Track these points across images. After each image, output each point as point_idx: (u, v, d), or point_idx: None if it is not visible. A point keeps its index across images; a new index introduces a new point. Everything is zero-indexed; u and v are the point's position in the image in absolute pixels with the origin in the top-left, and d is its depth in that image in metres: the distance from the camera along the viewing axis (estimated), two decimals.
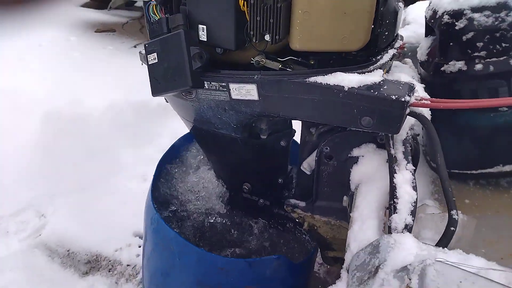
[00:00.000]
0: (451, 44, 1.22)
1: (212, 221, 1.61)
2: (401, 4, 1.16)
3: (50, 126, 3.26)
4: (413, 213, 0.90)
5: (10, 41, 4.30)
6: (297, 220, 1.47)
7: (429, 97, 1.08)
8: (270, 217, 1.63)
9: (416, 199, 0.93)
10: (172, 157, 1.71)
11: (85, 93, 3.45)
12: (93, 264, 2.61)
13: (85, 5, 5.67)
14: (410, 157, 1.05)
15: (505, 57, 1.14)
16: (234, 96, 1.16)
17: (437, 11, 1.23)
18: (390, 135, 1.09)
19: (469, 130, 1.29)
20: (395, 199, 0.93)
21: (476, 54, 1.18)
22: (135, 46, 4.64)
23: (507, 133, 1.24)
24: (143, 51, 1.19)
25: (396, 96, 0.97)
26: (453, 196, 0.95)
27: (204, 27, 1.12)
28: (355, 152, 1.18)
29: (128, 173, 3.04)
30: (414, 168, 1.02)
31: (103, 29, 4.72)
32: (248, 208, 1.63)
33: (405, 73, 1.35)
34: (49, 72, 3.77)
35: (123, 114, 3.29)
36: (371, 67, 1.07)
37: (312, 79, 1.04)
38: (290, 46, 1.07)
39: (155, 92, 1.19)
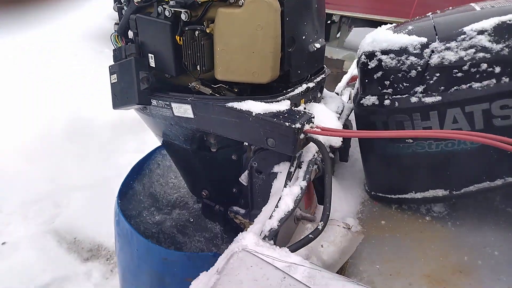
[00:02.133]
0: (366, 81, 1.37)
1: (174, 218, 1.85)
2: (317, 45, 1.34)
3: (77, 127, 3.68)
4: (281, 221, 1.07)
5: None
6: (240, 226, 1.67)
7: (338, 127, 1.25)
8: (225, 221, 1.83)
9: (292, 209, 1.10)
10: (148, 160, 1.98)
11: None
12: (94, 252, 2.94)
13: None
14: (308, 176, 1.22)
15: (406, 95, 1.28)
16: (176, 114, 1.40)
17: (359, 52, 1.39)
18: (296, 155, 1.27)
19: (386, 159, 1.42)
20: (275, 208, 1.11)
21: (384, 91, 1.32)
22: None
23: (414, 163, 1.36)
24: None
25: (289, 123, 1.15)
26: (328, 211, 1.11)
27: (153, 55, 1.36)
28: (276, 168, 1.36)
29: None
30: (306, 185, 1.19)
31: None
32: (206, 212, 1.85)
33: (331, 103, 1.52)
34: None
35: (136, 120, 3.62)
36: (280, 98, 1.26)
37: (230, 104, 1.25)
38: (214, 76, 1.29)
39: (114, 106, 1.46)
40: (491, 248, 1.27)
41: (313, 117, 1.21)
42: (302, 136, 1.18)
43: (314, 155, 1.28)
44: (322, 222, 1.09)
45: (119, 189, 1.77)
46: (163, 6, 1.26)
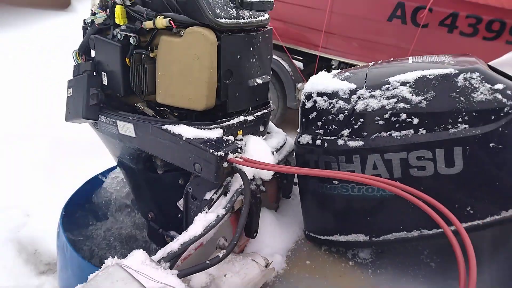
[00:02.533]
0: (303, 120, 1.42)
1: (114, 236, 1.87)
2: (259, 80, 1.41)
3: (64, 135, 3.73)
4: (183, 245, 1.09)
5: None
6: None
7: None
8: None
9: (198, 235, 1.12)
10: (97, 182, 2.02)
11: None
12: (51, 266, 2.91)
13: None
14: (229, 205, 1.25)
15: (335, 137, 1.33)
16: (120, 131, 1.46)
17: (302, 92, 1.46)
18: (223, 183, 1.31)
19: (316, 199, 1.45)
20: (184, 232, 1.14)
21: (317, 131, 1.37)
22: None
23: (339, 205, 1.39)
24: None
25: (212, 151, 1.20)
26: (236, 241, 1.13)
27: (105, 74, 1.45)
28: (207, 195, 1.39)
29: None
30: (224, 213, 1.21)
31: None
32: (151, 234, 1.86)
33: (273, 139, 1.58)
34: None
35: None
36: (213, 126, 1.32)
37: (165, 126, 1.32)
38: (155, 99, 1.36)
39: (66, 118, 1.53)
40: None
41: (240, 148, 1.27)
42: (225, 164, 1.23)
43: (241, 185, 1.31)
44: (224, 251, 1.11)
45: (64, 205, 1.81)
46: (117, 29, 1.36)
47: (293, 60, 4.86)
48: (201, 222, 1.17)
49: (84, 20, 1.52)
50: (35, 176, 3.44)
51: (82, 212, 1.94)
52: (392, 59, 1.51)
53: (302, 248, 1.53)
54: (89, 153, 3.31)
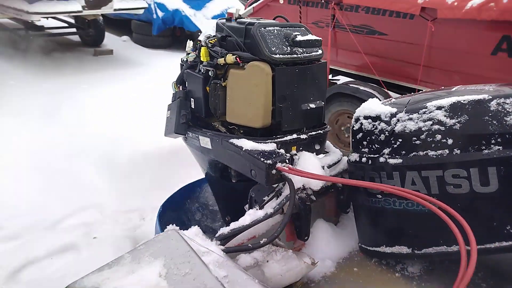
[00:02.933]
0: (353, 140, 1.58)
1: None
2: (312, 105, 1.63)
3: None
4: (233, 231, 1.34)
5: None
6: None
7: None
8: None
9: (246, 226, 1.36)
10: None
11: None
12: None
13: None
14: (278, 207, 1.47)
15: (377, 155, 1.45)
16: (201, 144, 1.81)
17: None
18: (276, 188, 1.54)
19: (365, 212, 1.56)
20: (236, 221, 1.40)
21: (363, 150, 1.51)
22: None
23: (384, 218, 1.47)
24: None
25: (263, 160, 1.46)
26: (277, 234, 1.35)
27: (193, 100, 1.84)
28: (266, 199, 1.64)
29: None
30: (272, 212, 1.44)
31: None
32: None
33: (328, 157, 1.75)
34: None
35: None
36: (268, 141, 1.57)
37: (231, 140, 1.62)
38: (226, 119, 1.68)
39: (164, 134, 1.95)
40: None
41: (288, 159, 1.49)
42: (274, 171, 1.47)
43: (291, 193, 1.52)
44: (265, 239, 1.33)
45: (164, 201, 2.21)
46: (201, 65, 1.74)
47: (390, 92, 4.86)
48: (250, 216, 1.41)
49: (181, 59, 1.95)
50: (151, 186, 4.06)
51: (176, 211, 2.32)
52: (442, 88, 1.60)
53: (354, 258, 1.65)
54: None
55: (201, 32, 7.56)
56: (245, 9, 5.66)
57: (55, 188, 3.60)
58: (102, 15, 7.49)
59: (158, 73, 6.85)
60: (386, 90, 4.82)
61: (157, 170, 4.12)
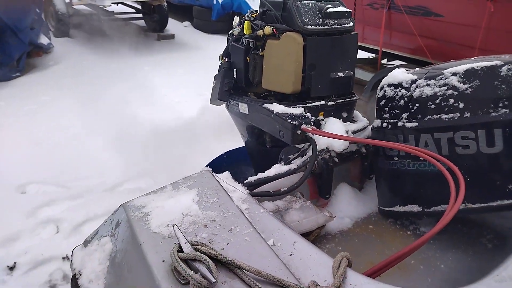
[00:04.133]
0: (377, 107, 1.70)
1: None
2: (340, 74, 1.77)
3: None
4: (259, 179, 1.54)
5: None
6: None
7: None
8: None
9: (269, 177, 1.56)
10: None
11: None
12: None
13: None
14: (300, 164, 1.65)
15: (396, 119, 1.57)
16: (240, 110, 2.03)
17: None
18: (301, 149, 1.72)
19: (383, 174, 1.69)
20: (262, 173, 1.60)
21: (385, 115, 1.62)
22: None
23: (399, 178, 1.59)
24: None
25: (290, 121, 1.64)
26: (297, 185, 1.53)
27: (235, 70, 2.06)
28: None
29: None
30: (296, 167, 1.62)
31: None
32: None
33: (354, 124, 1.89)
34: None
35: None
36: (297, 105, 1.75)
37: (265, 105, 1.82)
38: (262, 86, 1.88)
39: (210, 101, 2.19)
40: (442, 263, 1.43)
41: (313, 121, 1.66)
42: (299, 132, 1.65)
43: (317, 152, 1.69)
44: (286, 188, 1.52)
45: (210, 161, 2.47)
46: (243, 37, 1.94)
47: None
48: (275, 169, 1.61)
49: (228, 33, 2.17)
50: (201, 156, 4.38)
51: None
52: (466, 58, 1.66)
53: (371, 218, 1.79)
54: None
55: None
56: None
57: (114, 155, 4.01)
58: (167, 1, 7.95)
59: (214, 56, 7.29)
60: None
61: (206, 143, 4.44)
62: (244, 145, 2.49)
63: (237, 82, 2.07)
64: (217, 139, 3.92)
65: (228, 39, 2.18)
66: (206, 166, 2.55)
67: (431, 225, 1.66)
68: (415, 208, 1.57)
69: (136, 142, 4.11)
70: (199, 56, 7.48)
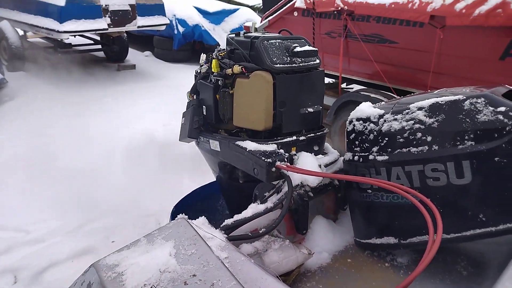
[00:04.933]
0: (347, 141, 1.73)
1: None
2: (310, 109, 1.80)
3: None
4: (236, 222, 1.51)
5: None
6: None
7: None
8: None
9: (246, 218, 1.54)
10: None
11: None
12: None
13: None
14: (277, 201, 1.64)
15: (367, 153, 1.60)
16: (212, 147, 2.01)
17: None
18: (276, 185, 1.71)
19: (357, 207, 1.71)
20: (239, 213, 1.57)
21: (355, 149, 1.66)
22: None
23: (373, 210, 1.61)
24: None
25: (264, 158, 1.63)
26: (275, 225, 1.51)
27: (205, 107, 2.04)
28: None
29: None
30: (272, 206, 1.61)
31: None
32: None
33: (325, 157, 1.91)
34: None
35: None
36: (269, 142, 1.75)
37: (237, 142, 1.81)
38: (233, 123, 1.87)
39: (179, 138, 2.15)
40: None
41: (286, 158, 1.67)
42: (274, 169, 1.64)
43: (289, 189, 1.69)
44: (264, 229, 1.50)
45: (177, 202, 2.41)
46: (212, 76, 1.94)
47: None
48: (252, 209, 1.59)
49: (196, 70, 2.16)
50: (167, 190, 4.29)
51: (188, 212, 2.51)
52: (428, 91, 1.74)
53: (349, 251, 1.79)
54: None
55: (219, 45, 7.89)
56: (261, 22, 5.90)
57: (76, 195, 3.86)
58: (126, 32, 7.88)
59: (176, 84, 7.24)
60: (397, 97, 4.93)
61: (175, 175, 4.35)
62: (215, 179, 2.46)
63: (207, 119, 2.05)
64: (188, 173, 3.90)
65: (195, 76, 2.18)
66: (176, 205, 2.51)
67: (407, 255, 1.68)
68: (391, 240, 1.59)
69: (97, 179, 3.99)
70: (161, 85, 7.43)
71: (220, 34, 8.94)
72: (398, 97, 1.81)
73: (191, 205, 2.54)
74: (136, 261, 1.16)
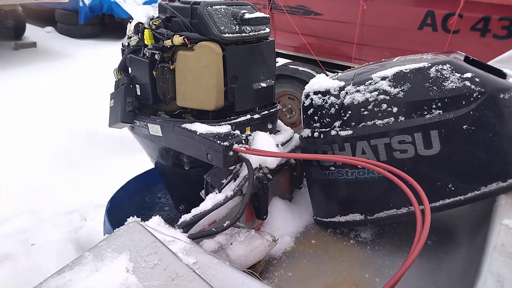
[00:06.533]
0: (304, 116, 1.62)
1: None
2: (263, 84, 1.64)
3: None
4: (195, 217, 1.32)
5: None
6: None
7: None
8: None
9: (208, 210, 1.35)
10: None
11: None
12: None
13: None
14: (237, 188, 1.47)
15: (328, 128, 1.51)
16: (151, 132, 1.75)
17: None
18: (233, 171, 1.53)
19: (318, 185, 1.62)
20: (197, 207, 1.38)
21: (315, 125, 1.55)
22: None
23: (337, 188, 1.54)
24: None
25: (220, 142, 1.44)
26: (239, 215, 1.35)
27: (139, 86, 1.76)
28: (224, 182, 1.62)
29: None
30: (232, 195, 1.43)
31: None
32: None
33: (280, 135, 1.78)
34: None
35: None
36: (222, 123, 1.56)
37: (184, 125, 1.58)
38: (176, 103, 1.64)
39: (109, 124, 1.85)
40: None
41: (244, 139, 1.49)
42: (231, 153, 1.46)
43: (248, 172, 1.53)
44: (229, 222, 1.33)
45: (111, 196, 2.12)
46: (146, 49, 1.66)
47: (327, 72, 5.04)
48: (211, 200, 1.40)
49: (122, 44, 1.85)
50: (91, 184, 3.88)
51: (125, 207, 2.24)
52: (383, 59, 1.68)
53: (310, 231, 1.70)
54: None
55: (132, 19, 7.28)
56: None
57: None
58: (21, 5, 6.87)
59: (86, 64, 6.52)
60: (324, 70, 4.98)
61: (98, 164, 3.95)
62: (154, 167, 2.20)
63: (143, 100, 1.78)
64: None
65: (122, 50, 1.87)
66: (111, 199, 2.22)
67: (370, 230, 1.65)
68: (357, 216, 1.52)
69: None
70: (67, 65, 6.66)
71: (132, 6, 8.25)
72: (355, 66, 1.71)
73: (127, 198, 2.27)
74: (84, 284, 0.92)
